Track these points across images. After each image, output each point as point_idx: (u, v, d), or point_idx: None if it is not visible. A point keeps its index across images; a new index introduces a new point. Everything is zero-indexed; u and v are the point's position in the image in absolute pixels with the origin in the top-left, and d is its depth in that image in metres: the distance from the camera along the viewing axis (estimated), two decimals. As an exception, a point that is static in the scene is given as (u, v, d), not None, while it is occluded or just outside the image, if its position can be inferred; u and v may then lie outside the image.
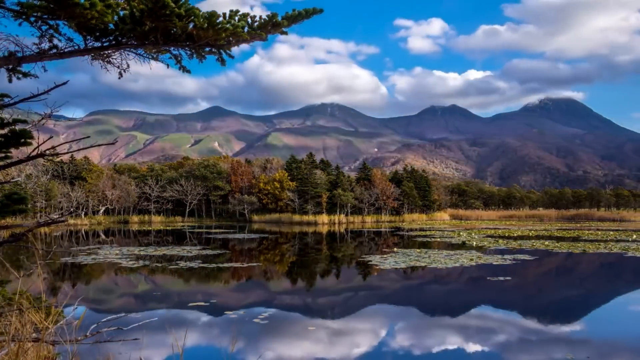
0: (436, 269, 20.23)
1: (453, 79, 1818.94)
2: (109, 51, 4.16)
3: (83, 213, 76.23)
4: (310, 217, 78.49)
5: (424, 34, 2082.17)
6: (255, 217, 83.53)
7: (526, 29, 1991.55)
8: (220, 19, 3.92)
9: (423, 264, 21.35)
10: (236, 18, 3.96)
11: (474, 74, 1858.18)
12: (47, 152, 3.89)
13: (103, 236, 45.24)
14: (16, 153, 4.21)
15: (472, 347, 9.71)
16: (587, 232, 48.11)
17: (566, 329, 11.23)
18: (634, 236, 40.34)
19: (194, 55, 4.34)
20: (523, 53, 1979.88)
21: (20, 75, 4.14)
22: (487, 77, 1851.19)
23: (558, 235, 42.98)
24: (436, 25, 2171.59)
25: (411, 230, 54.68)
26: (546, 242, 33.15)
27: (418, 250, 28.02)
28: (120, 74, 4.45)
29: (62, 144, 4.34)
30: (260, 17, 4.07)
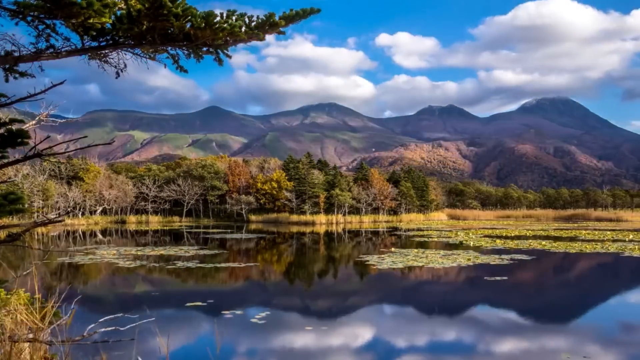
0: (433, 269, 20.24)
1: (439, 89, 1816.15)
2: (106, 51, 4.16)
3: (80, 213, 76.04)
4: (307, 217, 78.46)
5: (409, 51, 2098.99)
6: (253, 217, 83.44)
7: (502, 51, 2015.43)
8: (218, 18, 3.92)
9: (420, 264, 21.36)
10: (233, 18, 3.96)
11: (454, 85, 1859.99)
12: (44, 151, 3.88)
13: (100, 236, 45.15)
14: (13, 152, 4.20)
15: (469, 347, 9.73)
16: (584, 232, 48.22)
17: (563, 329, 11.26)
18: (631, 236, 40.44)
19: (192, 55, 4.33)
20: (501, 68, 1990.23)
21: (17, 75, 4.12)
22: (469, 87, 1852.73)
23: (555, 235, 43.07)
24: (424, 43, 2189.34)
25: (409, 230, 54.72)
26: (543, 242, 33.21)
27: (415, 250, 28.03)
28: (118, 74, 4.44)
29: (59, 144, 4.33)
30: (258, 17, 4.06)
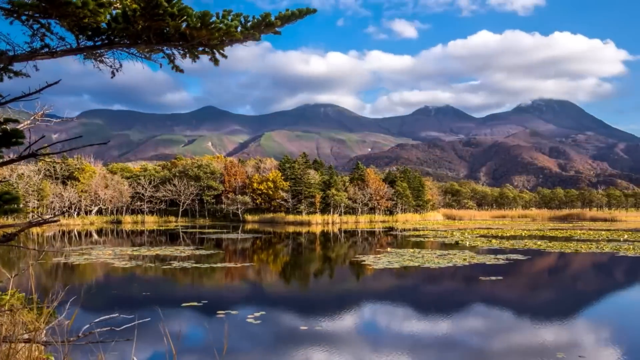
0: (429, 268, 20.28)
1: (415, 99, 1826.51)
2: (102, 50, 4.14)
3: (75, 213, 75.75)
4: (303, 217, 78.41)
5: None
6: (249, 217, 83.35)
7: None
8: (214, 18, 3.91)
9: (416, 264, 21.40)
10: (229, 18, 3.95)
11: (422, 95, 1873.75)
12: (39, 151, 3.87)
13: (96, 236, 44.99)
14: (7, 152, 4.18)
15: (465, 346, 9.75)
16: (579, 232, 48.43)
17: (558, 328, 11.30)
18: (625, 236, 40.64)
19: (187, 55, 4.32)
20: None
21: (11, 75, 4.11)
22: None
23: (550, 235, 43.23)
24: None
25: (404, 230, 54.79)
26: (538, 242, 33.33)
27: (411, 250, 28.08)
28: (113, 74, 4.43)
29: (54, 144, 4.31)
30: (254, 17, 4.06)
